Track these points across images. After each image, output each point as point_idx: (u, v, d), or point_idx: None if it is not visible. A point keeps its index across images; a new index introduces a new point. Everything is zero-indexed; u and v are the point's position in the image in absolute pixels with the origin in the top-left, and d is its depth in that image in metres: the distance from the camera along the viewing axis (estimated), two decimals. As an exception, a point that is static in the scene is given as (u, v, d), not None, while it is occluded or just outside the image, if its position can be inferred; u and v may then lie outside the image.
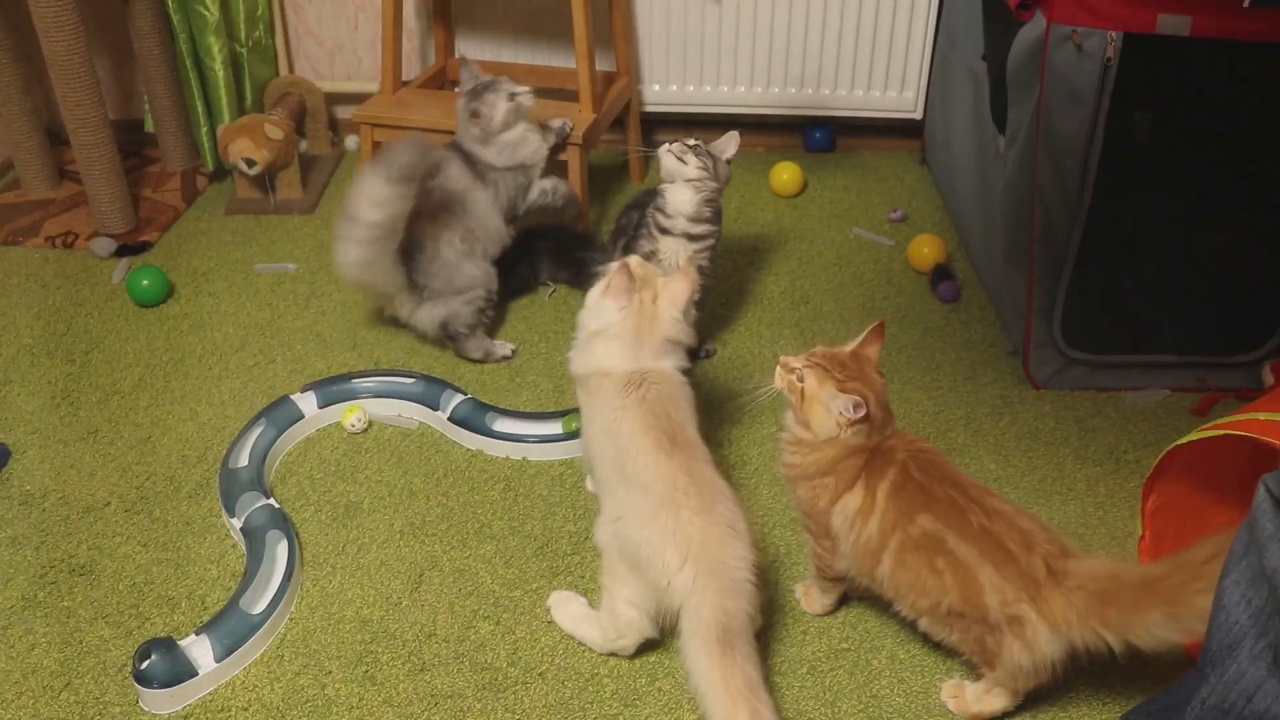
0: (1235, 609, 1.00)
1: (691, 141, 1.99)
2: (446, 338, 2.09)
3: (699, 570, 1.35)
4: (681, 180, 1.97)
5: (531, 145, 2.19)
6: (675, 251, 2.00)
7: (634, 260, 1.63)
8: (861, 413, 1.38)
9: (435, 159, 2.06)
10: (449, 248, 2.06)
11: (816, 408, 1.41)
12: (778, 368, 1.46)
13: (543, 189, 2.22)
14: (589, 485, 1.81)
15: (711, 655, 1.31)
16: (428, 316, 2.07)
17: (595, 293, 1.58)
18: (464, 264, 2.07)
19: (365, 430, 1.93)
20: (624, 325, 1.54)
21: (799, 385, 1.43)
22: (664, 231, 2.00)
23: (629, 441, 1.45)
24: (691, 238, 2.00)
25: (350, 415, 1.92)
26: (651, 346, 1.56)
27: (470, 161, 2.12)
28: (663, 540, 1.37)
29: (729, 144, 2.02)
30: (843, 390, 1.39)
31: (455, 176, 2.09)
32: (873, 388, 1.42)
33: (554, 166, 2.44)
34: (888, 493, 1.40)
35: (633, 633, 1.47)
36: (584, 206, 2.40)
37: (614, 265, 1.59)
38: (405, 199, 1.94)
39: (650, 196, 2.05)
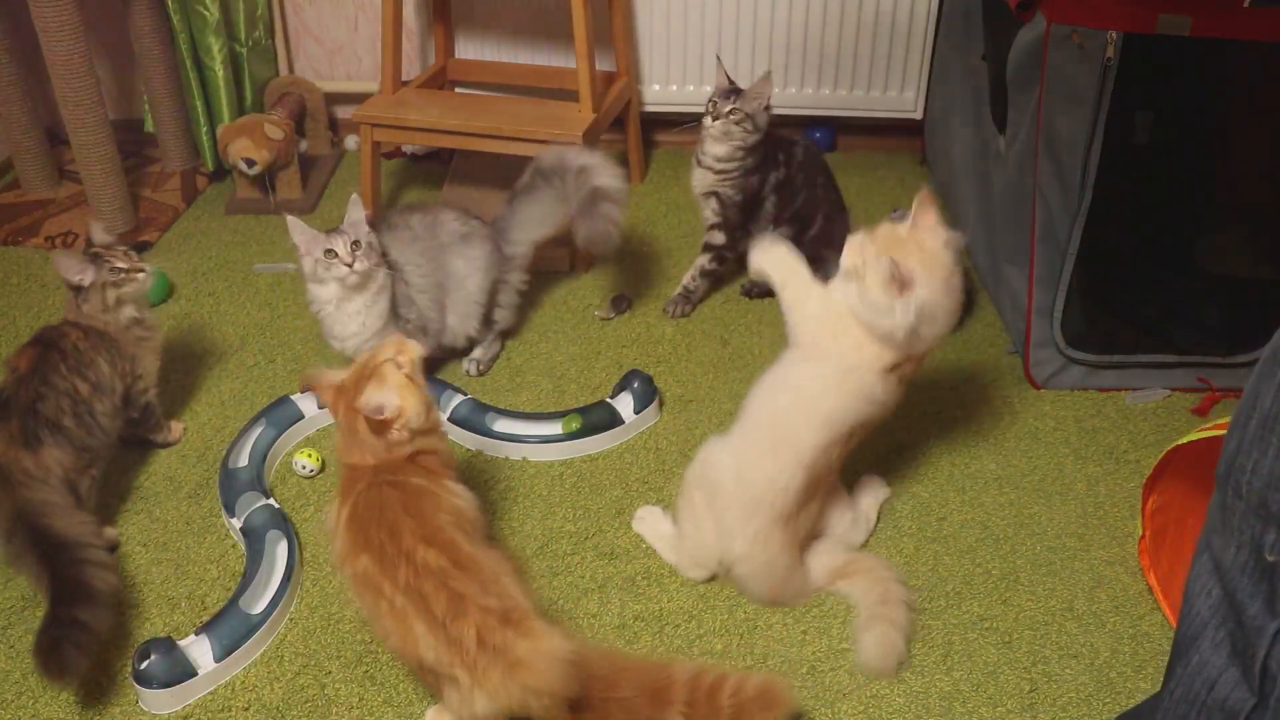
0: (1197, 600, 1.04)
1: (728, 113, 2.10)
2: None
3: None
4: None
5: None
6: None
7: (874, 247, 1.47)
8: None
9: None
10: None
11: None
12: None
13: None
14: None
15: None
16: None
17: (879, 292, 1.44)
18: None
19: (314, 478, 1.82)
20: (932, 287, 1.46)
21: None
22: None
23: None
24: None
25: (299, 458, 1.80)
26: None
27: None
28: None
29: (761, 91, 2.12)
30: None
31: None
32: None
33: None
34: (345, 520, 1.37)
35: (703, 574, 1.65)
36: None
37: (863, 261, 1.46)
38: None
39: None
